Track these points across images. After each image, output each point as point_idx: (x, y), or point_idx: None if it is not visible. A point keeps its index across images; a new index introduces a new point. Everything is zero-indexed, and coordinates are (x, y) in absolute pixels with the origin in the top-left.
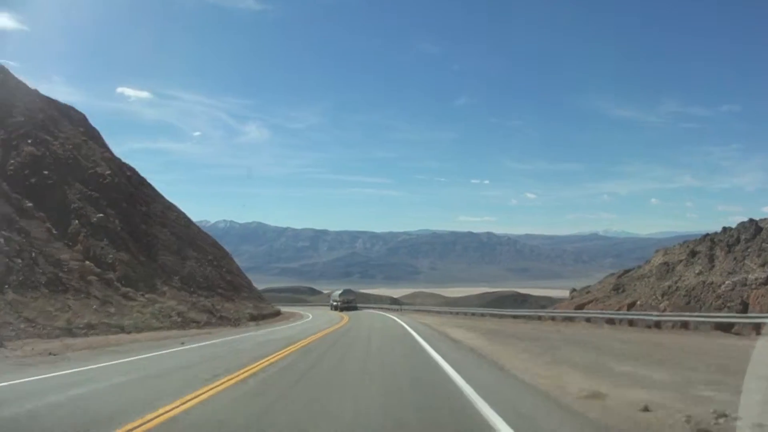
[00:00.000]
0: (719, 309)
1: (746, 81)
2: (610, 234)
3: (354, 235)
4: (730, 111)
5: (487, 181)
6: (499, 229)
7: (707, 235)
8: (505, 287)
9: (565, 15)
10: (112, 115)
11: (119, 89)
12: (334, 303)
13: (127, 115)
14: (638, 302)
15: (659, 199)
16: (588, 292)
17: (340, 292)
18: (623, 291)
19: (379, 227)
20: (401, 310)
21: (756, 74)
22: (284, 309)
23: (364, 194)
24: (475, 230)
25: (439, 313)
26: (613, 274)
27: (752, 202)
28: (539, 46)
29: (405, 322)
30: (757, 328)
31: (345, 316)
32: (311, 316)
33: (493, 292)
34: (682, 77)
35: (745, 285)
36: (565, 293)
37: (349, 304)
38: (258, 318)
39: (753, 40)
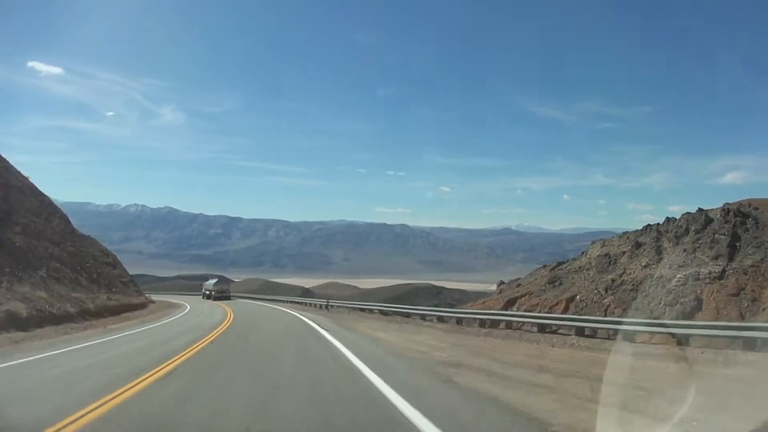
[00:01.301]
0: (671, 305)
1: (660, 84)
2: (523, 229)
3: (267, 224)
4: (643, 113)
5: (403, 173)
6: (413, 222)
7: (649, 225)
8: (419, 279)
9: (490, 12)
10: (22, 90)
11: (30, 63)
12: (207, 291)
13: (37, 90)
14: (578, 296)
15: (571, 196)
16: (519, 285)
17: (214, 281)
18: (560, 284)
19: (295, 216)
20: (329, 307)
21: (669, 78)
22: (174, 299)
23: (280, 182)
24: (389, 222)
25: (371, 311)
26: (545, 266)
27: (660, 201)
28: (465, 41)
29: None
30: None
31: (228, 311)
32: (187, 309)
33: (408, 284)
34: (600, 78)
35: (698, 279)
36: (481, 287)
37: (222, 293)
38: (101, 313)
39: (667, 45)
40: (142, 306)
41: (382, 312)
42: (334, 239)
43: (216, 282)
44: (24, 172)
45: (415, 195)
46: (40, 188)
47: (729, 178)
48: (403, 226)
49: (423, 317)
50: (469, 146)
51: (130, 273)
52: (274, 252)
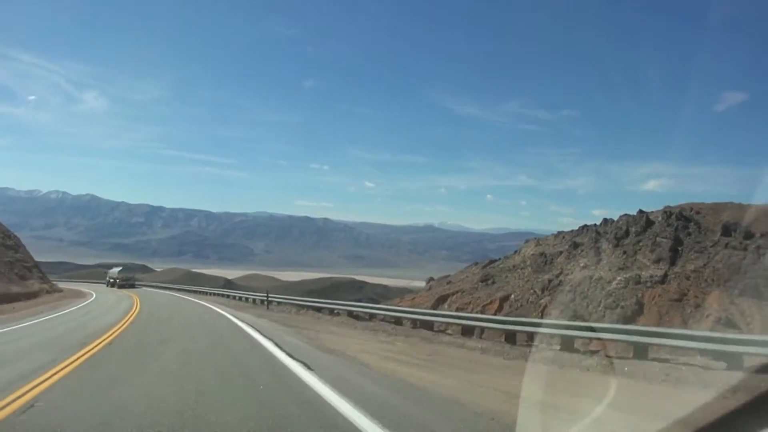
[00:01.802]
0: (612, 308)
1: (584, 89)
2: (445, 227)
3: (190, 214)
4: (568, 116)
5: (326, 167)
6: (335, 216)
7: (586, 226)
8: (341, 273)
9: (415, 9)
10: None
11: None
12: (111, 279)
13: None
14: (512, 296)
15: (495, 196)
16: (449, 282)
17: (119, 269)
18: (493, 282)
19: (216, 207)
20: (269, 304)
21: (593, 84)
22: (86, 288)
23: (203, 172)
24: (312, 215)
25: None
26: (477, 264)
27: (583, 204)
28: (392, 37)
29: None
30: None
31: (133, 308)
32: (92, 297)
33: (330, 278)
34: (527, 80)
35: (639, 283)
36: (402, 282)
37: (126, 281)
38: None
39: (593, 49)
40: (35, 295)
41: (349, 314)
42: (256, 231)
43: (120, 270)
44: None
45: (338, 189)
46: None
47: (650, 185)
48: (326, 220)
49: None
50: (393, 143)
51: (51, 260)
52: (197, 242)
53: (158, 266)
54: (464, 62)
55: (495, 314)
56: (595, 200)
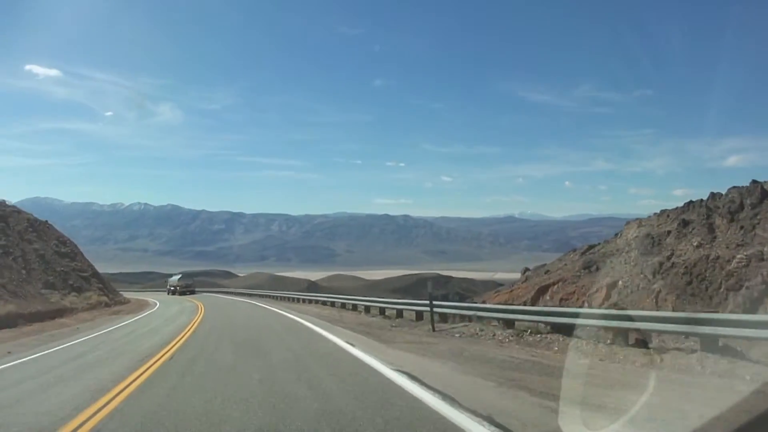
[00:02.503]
0: (735, 289)
1: (657, 67)
2: (525, 217)
3: (270, 218)
4: (642, 96)
5: (402, 164)
6: (415, 212)
7: (692, 202)
8: (424, 269)
9: (486, 3)
10: (20, 93)
11: (27, 66)
12: (171, 287)
13: (36, 93)
14: (620, 282)
15: (573, 183)
16: (547, 272)
17: (179, 276)
18: (597, 269)
19: (296, 210)
20: (434, 315)
21: (668, 62)
22: (154, 298)
23: (280, 176)
24: (391, 213)
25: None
26: (575, 251)
27: (663, 185)
28: (459, 29)
29: None
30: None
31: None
32: (150, 310)
33: (415, 275)
34: (597, 63)
35: (763, 260)
36: (486, 275)
37: (187, 288)
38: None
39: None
40: (67, 312)
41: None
42: (337, 232)
43: (180, 277)
44: None
45: (416, 185)
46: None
47: (732, 161)
48: (406, 217)
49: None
50: (467, 135)
51: (137, 271)
52: (278, 246)
53: (241, 272)
54: (533, 48)
55: (602, 303)
56: (675, 180)
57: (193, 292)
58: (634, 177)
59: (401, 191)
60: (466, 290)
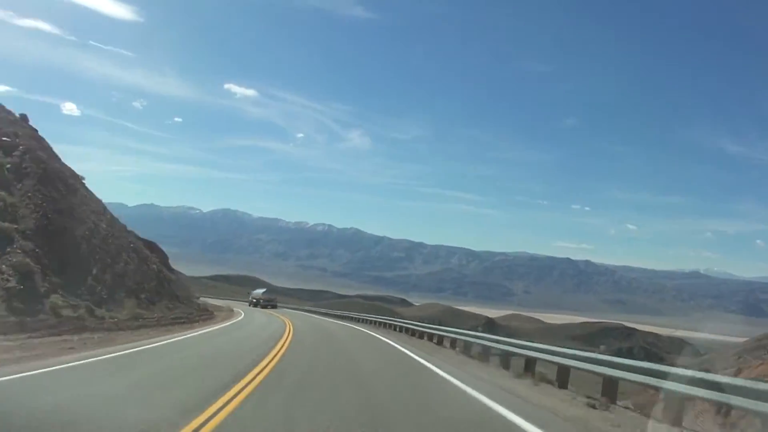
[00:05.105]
0: None
1: None
2: (712, 273)
3: (451, 251)
4: None
5: (587, 208)
6: (596, 258)
7: None
8: (601, 318)
9: (680, 44)
10: (218, 110)
11: (227, 85)
12: (254, 300)
13: (233, 111)
14: None
15: (765, 242)
16: None
17: (263, 290)
18: None
19: (475, 245)
20: None
21: None
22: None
23: (462, 210)
24: (572, 257)
25: None
26: None
27: None
28: (652, 72)
29: None
30: None
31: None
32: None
33: (596, 323)
34: None
35: None
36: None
37: (269, 302)
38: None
39: None
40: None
41: None
42: (516, 271)
43: (264, 291)
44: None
45: (598, 231)
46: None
47: None
48: (587, 263)
49: None
50: (654, 183)
51: (311, 288)
52: (456, 279)
53: (416, 300)
54: (728, 97)
55: None
56: None
57: (274, 306)
58: None
59: (583, 236)
60: (651, 345)
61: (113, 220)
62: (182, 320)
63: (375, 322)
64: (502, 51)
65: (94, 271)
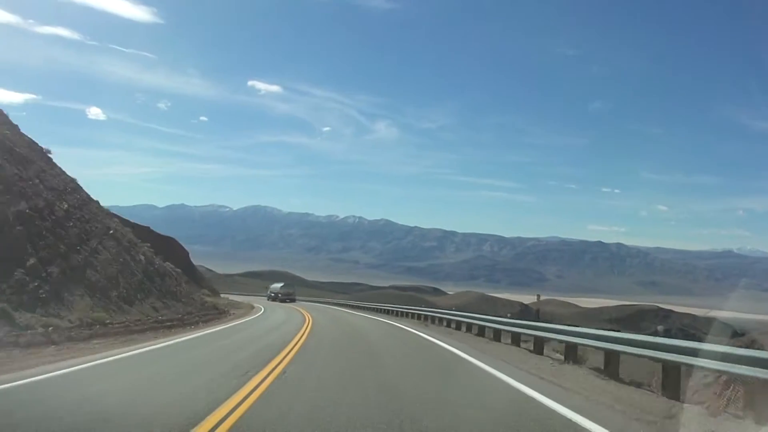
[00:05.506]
0: None
1: None
2: (745, 252)
3: (482, 238)
4: None
5: (617, 190)
6: (628, 240)
7: None
8: (636, 301)
9: (709, 23)
10: (243, 108)
11: (250, 82)
12: (272, 294)
13: (258, 108)
14: None
15: None
16: None
17: (281, 285)
18: None
19: (507, 231)
20: None
21: None
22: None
23: (493, 197)
24: (604, 240)
25: None
26: None
27: None
28: (681, 51)
29: None
30: None
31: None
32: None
33: (631, 306)
34: None
35: None
36: (703, 311)
37: (288, 296)
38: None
39: None
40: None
41: None
42: (548, 256)
43: (282, 285)
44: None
45: (630, 213)
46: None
47: None
48: (619, 245)
49: None
50: (685, 163)
51: (346, 281)
52: (488, 266)
53: (450, 289)
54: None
55: None
56: None
57: (293, 300)
58: None
59: (615, 219)
60: (688, 326)
61: (88, 202)
62: (169, 323)
63: (414, 314)
64: (529, 36)
65: (31, 262)
